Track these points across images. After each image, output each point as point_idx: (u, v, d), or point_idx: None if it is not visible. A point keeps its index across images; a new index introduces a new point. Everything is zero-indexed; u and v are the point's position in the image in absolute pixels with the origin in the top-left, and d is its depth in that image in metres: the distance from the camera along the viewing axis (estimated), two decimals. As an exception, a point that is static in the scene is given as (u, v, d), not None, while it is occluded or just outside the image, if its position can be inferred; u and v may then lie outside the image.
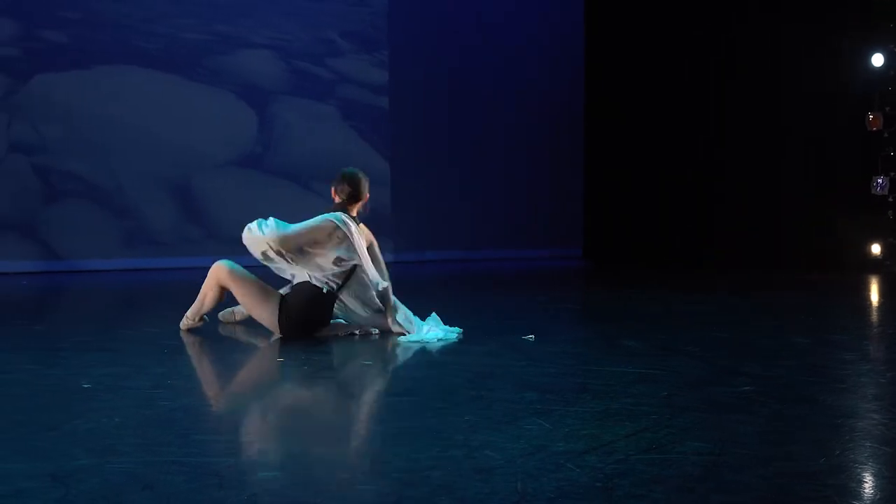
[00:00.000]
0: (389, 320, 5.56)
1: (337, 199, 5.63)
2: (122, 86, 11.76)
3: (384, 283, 5.60)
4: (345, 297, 5.59)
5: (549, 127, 14.13)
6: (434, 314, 5.66)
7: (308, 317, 5.51)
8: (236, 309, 6.08)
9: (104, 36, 11.71)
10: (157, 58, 11.97)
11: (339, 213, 5.52)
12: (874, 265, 10.57)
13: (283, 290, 5.63)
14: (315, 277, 5.47)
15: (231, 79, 12.40)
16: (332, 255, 5.43)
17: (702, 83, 12.51)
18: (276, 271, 5.61)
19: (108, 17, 11.74)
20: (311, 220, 5.49)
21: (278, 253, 5.39)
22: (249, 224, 5.44)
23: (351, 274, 5.52)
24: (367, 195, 5.72)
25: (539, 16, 14.08)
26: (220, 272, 5.64)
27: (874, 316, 7.21)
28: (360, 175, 5.69)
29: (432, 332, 5.44)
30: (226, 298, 5.75)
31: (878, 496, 2.61)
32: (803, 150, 11.47)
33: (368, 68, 13.23)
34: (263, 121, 12.59)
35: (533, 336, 5.38)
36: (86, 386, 4.04)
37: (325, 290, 5.47)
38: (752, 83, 11.94)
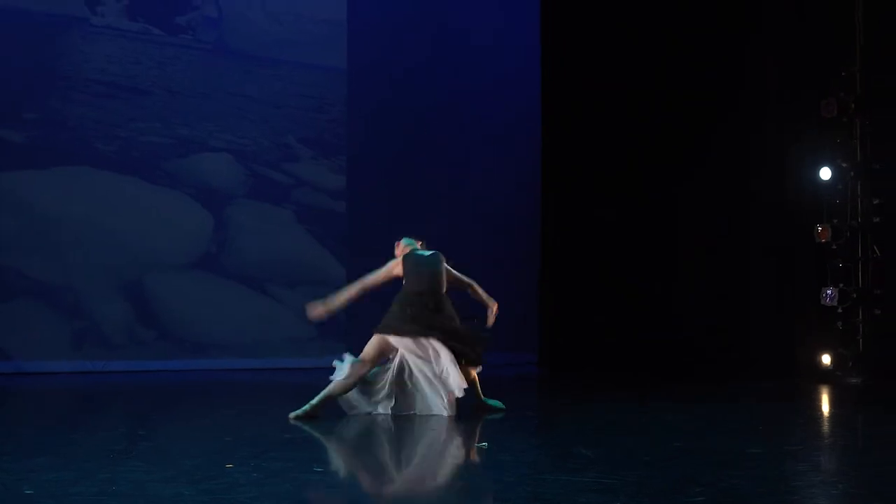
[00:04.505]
0: None
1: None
2: (78, 186, 11.76)
3: None
4: None
5: (503, 231, 14.18)
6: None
7: None
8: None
9: (62, 137, 11.74)
10: (114, 159, 12.00)
11: None
12: (825, 375, 10.65)
13: None
14: None
15: (189, 181, 12.44)
16: None
17: (665, 182, 12.69)
18: None
19: (67, 119, 11.79)
20: None
21: None
22: None
23: None
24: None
25: (496, 124, 14.26)
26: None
27: (826, 427, 7.24)
28: None
29: None
30: None
31: None
32: (764, 258, 11.76)
33: (326, 173, 13.33)
34: (219, 223, 12.60)
35: (486, 444, 5.34)
36: (28, 492, 3.94)
37: None
38: (716, 188, 12.23)
